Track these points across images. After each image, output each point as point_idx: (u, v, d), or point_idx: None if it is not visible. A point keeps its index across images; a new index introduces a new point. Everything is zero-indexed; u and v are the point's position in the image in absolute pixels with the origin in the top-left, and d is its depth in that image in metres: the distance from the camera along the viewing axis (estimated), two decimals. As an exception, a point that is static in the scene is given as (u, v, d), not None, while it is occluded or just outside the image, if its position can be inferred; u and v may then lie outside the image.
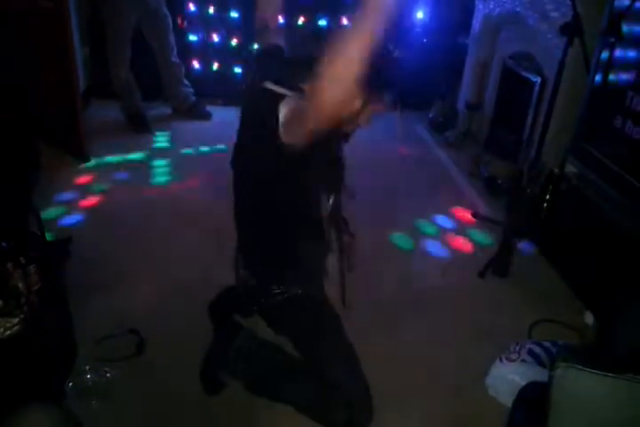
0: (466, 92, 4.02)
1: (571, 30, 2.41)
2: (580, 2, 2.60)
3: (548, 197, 2.43)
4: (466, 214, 3.04)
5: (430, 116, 4.15)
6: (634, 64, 2.44)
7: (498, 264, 2.54)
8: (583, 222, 2.39)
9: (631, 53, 2.50)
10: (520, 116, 3.24)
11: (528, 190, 2.41)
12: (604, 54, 2.51)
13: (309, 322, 1.60)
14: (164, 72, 3.88)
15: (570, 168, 2.61)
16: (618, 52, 2.51)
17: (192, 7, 4.09)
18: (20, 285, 1.54)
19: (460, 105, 4.06)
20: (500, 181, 3.09)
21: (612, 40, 2.48)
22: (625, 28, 2.45)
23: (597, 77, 2.52)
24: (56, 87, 3.15)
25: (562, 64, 2.45)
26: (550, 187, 2.42)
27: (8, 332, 1.50)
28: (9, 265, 1.53)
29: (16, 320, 1.50)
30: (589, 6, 2.62)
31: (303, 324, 1.60)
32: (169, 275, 2.37)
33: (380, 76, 1.46)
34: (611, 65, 2.51)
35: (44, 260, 1.65)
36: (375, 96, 1.53)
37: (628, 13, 2.42)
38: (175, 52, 3.83)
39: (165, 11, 3.65)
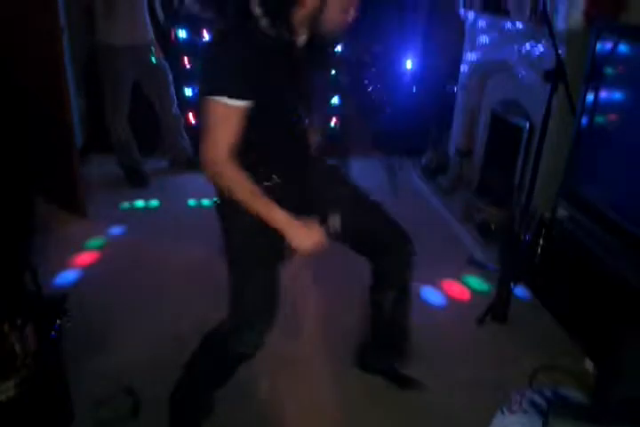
0: (456, 138, 4.10)
1: (554, 77, 2.49)
2: (563, 47, 2.71)
3: (540, 241, 2.45)
4: (461, 261, 3.06)
5: (422, 162, 4.22)
6: (619, 106, 2.51)
7: (496, 310, 2.54)
8: (576, 266, 2.40)
9: (617, 95, 2.58)
10: (510, 161, 3.30)
11: (520, 235, 2.42)
12: (590, 97, 2.58)
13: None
14: (163, 124, 3.96)
15: (562, 212, 2.64)
16: (603, 95, 2.58)
17: (187, 63, 4.21)
18: (17, 347, 1.53)
19: (451, 151, 4.14)
20: (493, 227, 3.11)
21: (596, 84, 2.56)
22: (608, 70, 2.54)
23: (583, 121, 2.59)
24: (53, 142, 3.21)
25: (548, 109, 2.51)
26: (542, 231, 2.44)
27: (3, 395, 1.49)
28: (5, 326, 1.53)
29: (12, 383, 1.49)
30: (572, 51, 2.72)
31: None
32: (166, 331, 2.36)
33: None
34: (596, 108, 2.58)
35: (40, 319, 1.65)
36: None
37: (610, 57, 2.51)
38: (175, 104, 3.92)
39: (165, 64, 3.76)
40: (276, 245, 1.59)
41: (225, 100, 1.43)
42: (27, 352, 1.54)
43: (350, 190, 1.88)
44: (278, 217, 1.51)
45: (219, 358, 1.72)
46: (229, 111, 1.45)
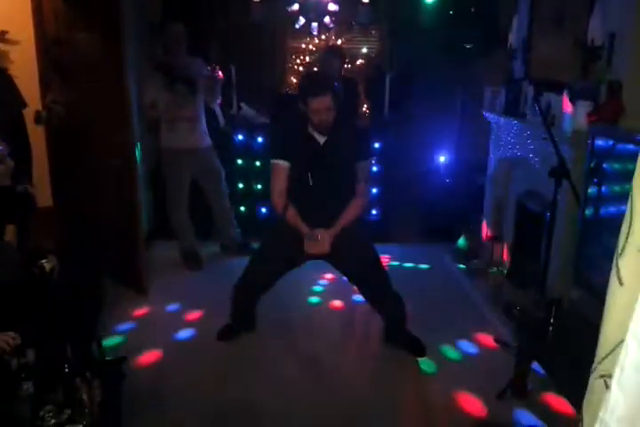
0: (487, 225, 4.38)
1: (557, 173, 2.80)
2: (569, 147, 3.03)
3: (552, 321, 2.64)
4: (488, 340, 3.24)
5: (456, 246, 4.49)
6: (618, 198, 2.77)
7: (515, 386, 2.70)
8: (587, 347, 2.57)
9: (616, 188, 2.85)
10: (535, 246, 3.54)
11: (535, 316, 2.64)
12: (592, 190, 2.87)
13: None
14: (217, 215, 4.41)
15: (575, 294, 2.85)
16: (604, 188, 2.86)
17: (239, 161, 4.74)
18: (85, 397, 1.86)
19: (483, 236, 4.40)
20: (517, 309, 3.31)
21: (597, 179, 2.85)
22: (606, 166, 2.84)
23: (587, 211, 2.86)
24: (123, 229, 3.69)
25: (554, 203, 2.80)
26: (553, 312, 2.65)
27: (72, 438, 1.80)
28: (77, 380, 1.86)
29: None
30: (578, 149, 3.03)
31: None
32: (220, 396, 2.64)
33: None
34: (599, 199, 2.86)
35: (104, 377, 1.98)
36: None
37: (608, 155, 2.81)
38: (227, 197, 4.40)
39: (219, 165, 4.28)
40: (295, 245, 2.82)
41: (276, 161, 2.82)
42: (93, 402, 1.86)
43: (363, 252, 2.97)
44: (303, 229, 2.82)
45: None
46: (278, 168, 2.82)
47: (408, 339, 3.12)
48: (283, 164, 2.79)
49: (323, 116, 2.67)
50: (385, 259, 4.06)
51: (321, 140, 2.80)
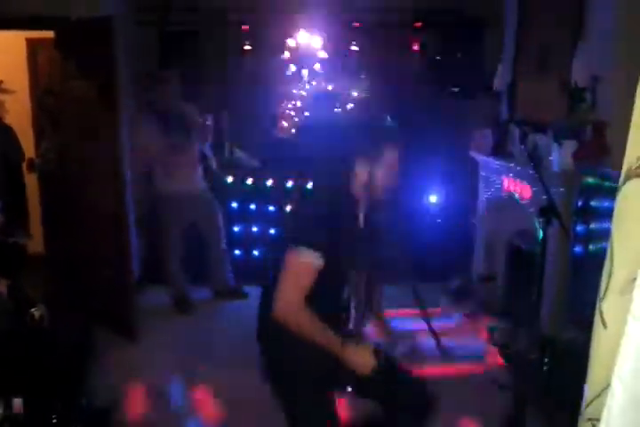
0: (478, 265, 4.38)
1: (546, 213, 2.83)
2: (558, 186, 3.07)
3: (546, 361, 2.62)
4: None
5: (450, 287, 4.47)
6: (606, 235, 2.80)
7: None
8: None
9: (604, 225, 2.88)
10: (527, 286, 3.54)
11: (529, 356, 2.61)
12: (580, 228, 2.89)
13: None
14: (212, 259, 4.36)
15: (569, 333, 2.83)
16: (592, 226, 2.89)
17: (234, 204, 4.76)
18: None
19: (475, 277, 4.40)
20: (510, 349, 3.28)
21: (584, 217, 2.89)
22: (594, 205, 2.87)
23: (577, 249, 2.87)
24: (113, 277, 3.67)
25: (544, 241, 2.82)
26: (545, 352, 2.62)
27: None
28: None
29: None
30: (566, 188, 3.07)
31: None
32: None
33: None
34: (588, 237, 2.88)
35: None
36: None
37: (594, 194, 2.85)
38: (224, 241, 4.39)
39: (217, 209, 4.27)
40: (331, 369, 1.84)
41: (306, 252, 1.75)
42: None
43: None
44: (339, 346, 1.79)
45: None
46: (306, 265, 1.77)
47: None
48: (315, 259, 1.77)
49: (392, 178, 1.90)
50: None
51: (361, 220, 2.00)
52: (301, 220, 1.91)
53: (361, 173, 1.85)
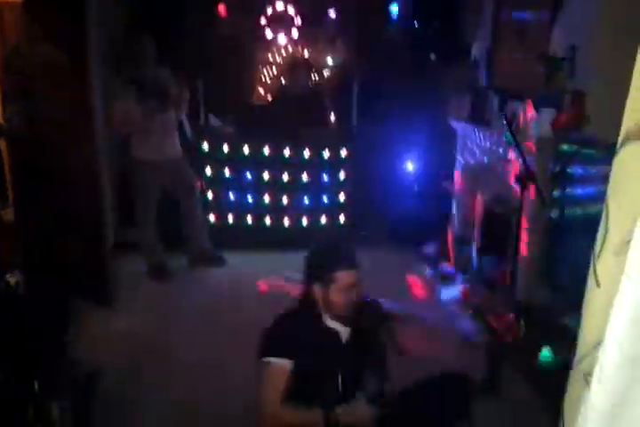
0: (456, 228, 4.45)
1: (521, 179, 2.88)
2: (536, 152, 3.11)
3: (521, 322, 2.70)
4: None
5: (425, 251, 4.54)
6: (582, 200, 2.87)
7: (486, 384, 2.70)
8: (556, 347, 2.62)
9: (579, 191, 2.95)
10: (503, 250, 3.61)
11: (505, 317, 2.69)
12: (556, 193, 2.95)
13: None
14: (189, 227, 4.31)
15: (541, 295, 2.91)
16: (568, 191, 2.96)
17: (208, 171, 4.69)
18: (56, 416, 1.81)
19: (451, 240, 4.47)
20: (485, 310, 3.36)
21: (561, 183, 2.95)
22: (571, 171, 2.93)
23: (553, 214, 2.94)
24: (90, 240, 3.63)
25: (521, 206, 2.89)
26: (520, 313, 2.70)
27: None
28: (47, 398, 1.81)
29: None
30: (544, 154, 3.11)
31: None
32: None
33: None
34: (564, 202, 2.95)
35: (75, 394, 1.93)
36: None
37: (571, 160, 2.90)
38: (200, 208, 4.35)
39: (192, 176, 4.22)
40: None
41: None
42: (63, 422, 1.81)
43: None
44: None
45: None
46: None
47: None
48: (282, 364, 1.92)
49: (351, 296, 1.96)
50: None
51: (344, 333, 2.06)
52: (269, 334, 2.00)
53: (318, 291, 1.96)
